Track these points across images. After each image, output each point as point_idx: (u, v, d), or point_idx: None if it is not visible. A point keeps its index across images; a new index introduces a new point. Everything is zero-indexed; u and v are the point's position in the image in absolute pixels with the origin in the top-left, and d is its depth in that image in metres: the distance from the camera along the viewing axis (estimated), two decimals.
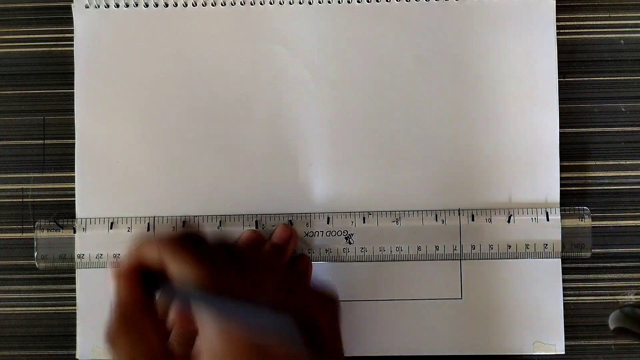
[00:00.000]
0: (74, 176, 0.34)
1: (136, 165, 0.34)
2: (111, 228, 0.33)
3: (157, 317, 0.25)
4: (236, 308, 0.23)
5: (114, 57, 0.34)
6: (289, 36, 0.34)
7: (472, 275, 0.33)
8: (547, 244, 0.32)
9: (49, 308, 0.34)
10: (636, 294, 0.33)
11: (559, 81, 0.33)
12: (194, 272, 0.23)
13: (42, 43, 0.35)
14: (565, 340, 0.33)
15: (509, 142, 0.33)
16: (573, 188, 0.34)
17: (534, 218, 0.33)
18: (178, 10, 0.34)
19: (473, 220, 0.33)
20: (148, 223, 0.33)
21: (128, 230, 0.33)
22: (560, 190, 0.33)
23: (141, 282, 0.25)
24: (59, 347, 0.34)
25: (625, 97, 0.34)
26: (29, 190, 0.34)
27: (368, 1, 0.34)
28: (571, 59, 0.34)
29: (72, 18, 0.34)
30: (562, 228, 0.33)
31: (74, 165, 0.34)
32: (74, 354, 0.33)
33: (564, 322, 0.33)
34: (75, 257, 0.33)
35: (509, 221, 0.33)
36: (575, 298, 0.33)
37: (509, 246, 0.32)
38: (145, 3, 0.34)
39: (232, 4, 0.34)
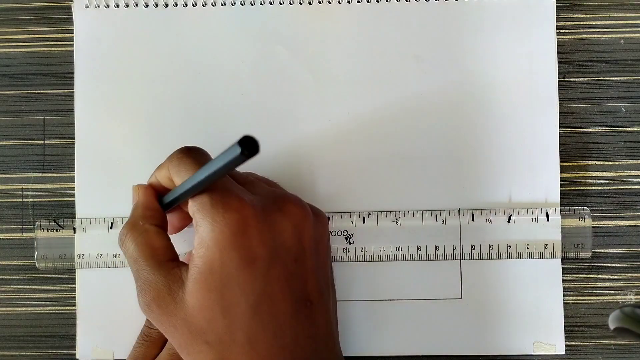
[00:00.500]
0: (74, 176, 0.34)
1: (136, 165, 0.34)
2: (111, 228, 0.33)
3: (165, 224, 0.28)
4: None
5: (114, 57, 0.34)
6: (289, 36, 0.34)
7: (472, 275, 0.33)
8: (547, 244, 0.32)
9: (49, 308, 0.34)
10: (636, 294, 0.33)
11: (559, 81, 0.33)
12: (194, 171, 0.26)
13: (42, 43, 0.35)
14: (565, 340, 0.33)
15: (509, 142, 0.33)
16: (573, 188, 0.34)
17: (534, 218, 0.33)
18: (178, 10, 0.34)
19: (473, 220, 0.33)
20: None
21: None
22: (560, 190, 0.33)
23: (155, 196, 0.28)
24: (59, 347, 0.34)
25: (625, 97, 0.34)
26: (29, 190, 0.34)
27: (368, 1, 0.34)
28: (571, 59, 0.34)
29: (72, 18, 0.34)
30: (562, 228, 0.33)
31: (74, 165, 0.34)
32: (74, 354, 0.33)
33: (564, 322, 0.33)
34: (75, 257, 0.33)
35: (509, 221, 0.33)
36: (575, 298, 0.33)
37: (509, 246, 0.32)
38: (145, 3, 0.34)
39: (232, 4, 0.34)
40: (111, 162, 0.34)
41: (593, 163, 0.34)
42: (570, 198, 0.34)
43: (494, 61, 0.33)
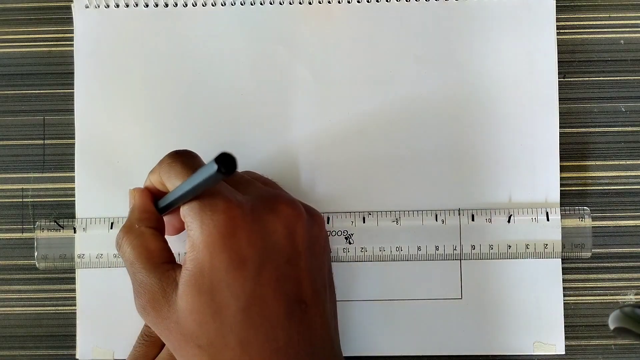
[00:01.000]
0: (74, 176, 0.34)
1: (136, 165, 0.34)
2: (111, 228, 0.33)
3: (161, 226, 0.28)
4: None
5: (114, 57, 0.34)
6: (289, 36, 0.34)
7: (472, 275, 0.33)
8: (547, 244, 0.32)
9: (49, 308, 0.34)
10: (636, 294, 0.33)
11: (559, 81, 0.33)
12: (183, 176, 0.26)
13: (42, 43, 0.35)
14: (565, 340, 0.33)
15: (509, 142, 0.33)
16: (573, 188, 0.34)
17: (534, 218, 0.33)
18: (178, 10, 0.34)
19: (473, 220, 0.33)
20: None
21: None
22: (560, 190, 0.33)
23: (151, 199, 0.28)
24: (59, 347, 0.34)
25: (625, 97, 0.34)
26: (29, 190, 0.34)
27: (368, 1, 0.34)
28: (571, 59, 0.34)
29: (72, 18, 0.34)
30: (562, 228, 0.33)
31: (74, 165, 0.34)
32: (74, 354, 0.33)
33: (564, 322, 0.33)
34: (75, 257, 0.33)
35: (509, 221, 0.33)
36: (575, 298, 0.33)
37: (509, 246, 0.32)
38: (145, 3, 0.34)
39: (232, 4, 0.34)
40: (111, 162, 0.34)
41: (593, 163, 0.34)
42: (570, 198, 0.34)
43: (494, 61, 0.33)
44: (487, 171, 0.33)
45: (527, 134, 0.33)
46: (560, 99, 0.33)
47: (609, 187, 0.34)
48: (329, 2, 0.34)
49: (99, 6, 0.34)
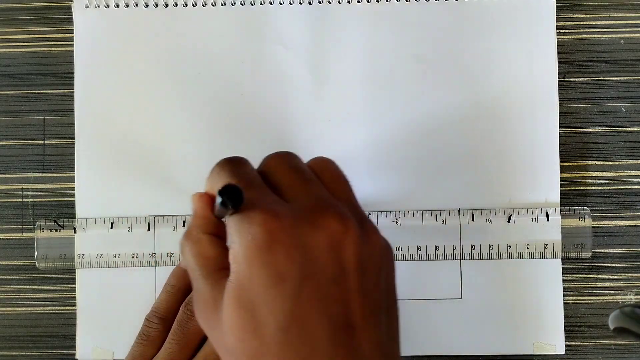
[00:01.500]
0: (74, 176, 0.34)
1: (136, 165, 0.34)
2: (111, 228, 0.33)
3: (220, 232, 0.26)
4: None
5: (114, 57, 0.34)
6: (289, 36, 0.34)
7: (472, 275, 0.33)
8: (547, 244, 0.32)
9: (49, 308, 0.34)
10: (636, 294, 0.33)
11: (559, 81, 0.33)
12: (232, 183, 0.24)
13: (42, 43, 0.35)
14: (565, 340, 0.33)
15: (509, 142, 0.33)
16: (573, 188, 0.34)
17: (534, 218, 0.33)
18: (178, 10, 0.34)
19: (473, 220, 0.33)
20: (148, 223, 0.33)
21: (128, 230, 0.33)
22: (560, 190, 0.33)
23: (209, 204, 0.26)
24: (59, 347, 0.34)
25: (625, 97, 0.34)
26: (29, 190, 0.34)
27: (368, 1, 0.34)
28: (571, 59, 0.34)
29: (72, 18, 0.34)
30: (562, 228, 0.33)
31: (74, 165, 0.34)
32: (74, 354, 0.33)
33: (564, 322, 0.33)
34: (76, 257, 0.33)
35: (509, 221, 0.33)
36: (575, 298, 0.33)
37: (509, 246, 0.32)
38: (145, 3, 0.34)
39: (232, 4, 0.34)
40: (111, 162, 0.34)
41: (593, 163, 0.34)
42: (570, 198, 0.34)
43: (494, 61, 0.33)
44: (487, 171, 0.33)
45: (527, 134, 0.33)
46: (560, 99, 0.33)
47: (609, 187, 0.34)
48: (329, 2, 0.34)
49: (99, 6, 0.34)
